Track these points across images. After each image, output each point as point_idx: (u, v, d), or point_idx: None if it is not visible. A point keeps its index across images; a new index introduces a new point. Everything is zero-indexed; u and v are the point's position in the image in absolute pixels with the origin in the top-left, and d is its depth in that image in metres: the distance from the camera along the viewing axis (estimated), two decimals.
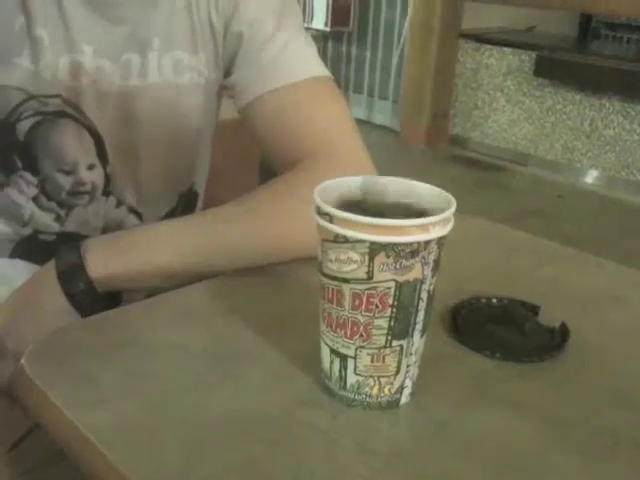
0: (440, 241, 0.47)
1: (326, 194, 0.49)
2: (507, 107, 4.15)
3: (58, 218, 0.83)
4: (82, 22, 0.75)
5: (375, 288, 0.47)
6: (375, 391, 0.50)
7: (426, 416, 0.51)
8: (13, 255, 0.84)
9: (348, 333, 0.49)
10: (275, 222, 0.72)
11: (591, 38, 5.05)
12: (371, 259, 0.46)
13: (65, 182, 0.82)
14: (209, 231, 0.70)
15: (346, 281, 0.47)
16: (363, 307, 0.47)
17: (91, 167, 0.82)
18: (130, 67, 0.79)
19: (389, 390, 0.51)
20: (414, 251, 0.46)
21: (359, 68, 4.84)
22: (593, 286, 0.74)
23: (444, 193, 0.50)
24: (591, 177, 3.87)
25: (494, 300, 0.66)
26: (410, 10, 4.27)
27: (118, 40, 0.78)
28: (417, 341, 0.50)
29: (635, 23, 4.86)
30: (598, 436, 0.50)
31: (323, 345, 0.52)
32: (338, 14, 4.58)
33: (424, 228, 0.46)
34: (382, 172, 0.55)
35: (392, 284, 0.47)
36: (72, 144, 0.80)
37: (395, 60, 4.58)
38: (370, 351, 0.49)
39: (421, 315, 0.49)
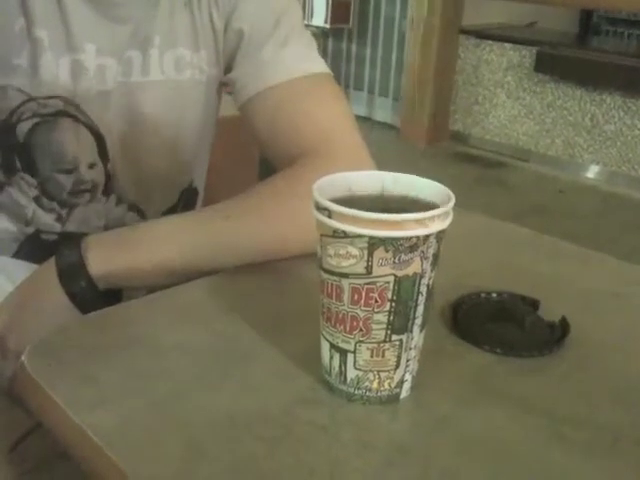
0: (439, 235, 0.47)
1: (325, 190, 0.49)
2: (508, 103, 4.14)
3: (59, 218, 0.83)
4: (84, 22, 0.76)
5: (374, 283, 0.47)
6: (375, 385, 0.50)
7: (426, 411, 0.51)
8: (17, 255, 0.84)
9: (347, 328, 0.49)
10: (276, 220, 0.72)
11: (592, 34, 5.05)
12: (370, 254, 0.46)
13: (66, 181, 0.82)
14: (209, 227, 0.70)
15: (345, 276, 0.47)
16: (362, 302, 0.47)
17: (92, 165, 0.82)
18: (132, 64, 0.80)
19: (389, 384, 0.51)
20: (413, 246, 0.46)
21: (359, 65, 4.83)
22: (594, 281, 0.74)
23: (443, 187, 0.50)
24: (592, 172, 3.87)
25: (494, 295, 0.66)
26: (410, 6, 4.26)
27: (121, 38, 0.78)
28: (417, 335, 0.50)
29: (636, 18, 4.86)
30: (598, 432, 0.50)
31: (323, 340, 0.52)
32: (338, 11, 4.57)
33: (423, 223, 0.46)
34: (383, 169, 0.55)
35: (391, 279, 0.47)
36: (73, 143, 0.80)
37: (395, 57, 4.58)
38: (370, 346, 0.49)
39: (420, 309, 0.49)
